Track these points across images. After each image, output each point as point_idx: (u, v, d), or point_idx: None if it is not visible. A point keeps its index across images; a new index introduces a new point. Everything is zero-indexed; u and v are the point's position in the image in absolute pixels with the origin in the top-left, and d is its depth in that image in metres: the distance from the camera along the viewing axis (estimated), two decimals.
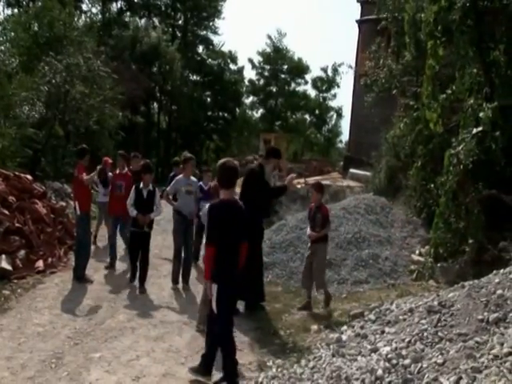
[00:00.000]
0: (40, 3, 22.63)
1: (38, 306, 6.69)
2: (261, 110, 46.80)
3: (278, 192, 7.68)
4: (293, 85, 45.33)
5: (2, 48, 19.46)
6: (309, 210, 7.48)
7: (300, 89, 45.72)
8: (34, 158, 15.82)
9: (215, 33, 43.04)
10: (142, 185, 7.76)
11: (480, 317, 4.08)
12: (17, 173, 10.41)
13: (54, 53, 18.28)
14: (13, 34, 20.67)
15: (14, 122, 14.65)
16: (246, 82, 45.93)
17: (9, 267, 7.78)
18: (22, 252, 8.34)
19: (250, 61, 44.56)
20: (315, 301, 7.45)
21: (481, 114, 8.02)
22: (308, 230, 7.28)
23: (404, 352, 4.06)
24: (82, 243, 8.10)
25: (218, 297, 4.48)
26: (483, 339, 3.80)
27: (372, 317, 5.30)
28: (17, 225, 8.64)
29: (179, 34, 42.59)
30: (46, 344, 5.46)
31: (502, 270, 4.95)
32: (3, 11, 29.04)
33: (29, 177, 10.56)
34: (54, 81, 17.63)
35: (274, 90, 44.93)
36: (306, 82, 45.31)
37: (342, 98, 75.64)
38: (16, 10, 28.62)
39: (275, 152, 7.33)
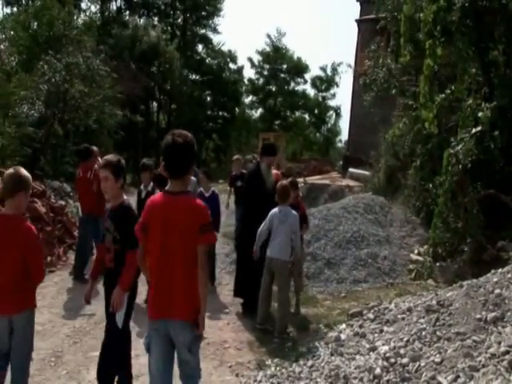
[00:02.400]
0: (39, 2, 22.62)
1: (38, 305, 6.66)
2: (260, 110, 46.83)
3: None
4: (292, 84, 45.32)
5: (2, 47, 19.44)
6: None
7: (299, 88, 45.74)
8: (34, 156, 15.80)
9: (215, 30, 43.02)
10: (142, 186, 7.33)
11: (478, 316, 4.10)
12: None
13: (54, 52, 18.26)
14: (12, 32, 20.65)
15: (13, 121, 14.64)
16: (246, 82, 45.98)
17: None
18: None
19: (250, 60, 44.61)
20: (313, 299, 7.48)
21: (480, 114, 8.05)
22: None
23: (402, 351, 4.09)
24: (83, 244, 8.16)
25: (128, 309, 4.20)
26: (481, 338, 3.83)
27: (371, 316, 5.32)
28: None
29: (178, 33, 42.57)
30: (46, 343, 5.48)
31: (500, 270, 4.97)
32: (2, 10, 29.07)
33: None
34: (53, 80, 17.60)
35: (274, 89, 44.91)
36: (306, 82, 45.32)
37: (342, 97, 75.70)
38: (15, 9, 28.60)
39: (267, 149, 6.95)
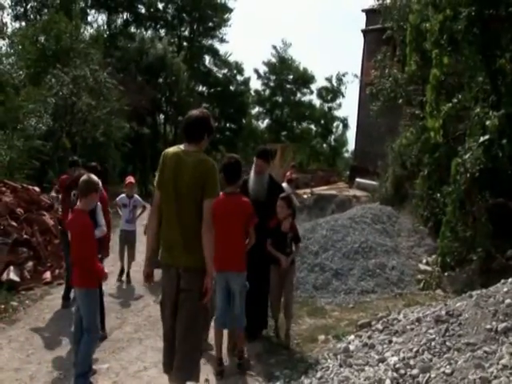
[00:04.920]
0: (47, 16, 22.87)
1: (46, 317, 6.71)
2: (267, 120, 46.97)
3: None
4: (298, 95, 45.46)
5: (10, 61, 19.68)
6: (274, 226, 5.90)
7: (305, 99, 45.86)
8: (42, 169, 15.92)
9: (222, 40, 43.25)
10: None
11: (488, 326, 4.06)
12: (24, 185, 10.49)
13: (61, 65, 18.47)
14: (20, 46, 20.90)
15: (21, 134, 14.78)
16: (252, 93, 46.14)
17: (17, 278, 7.82)
18: (30, 263, 8.38)
19: (256, 71, 44.83)
20: (322, 310, 7.44)
21: (487, 123, 8.01)
22: (276, 253, 5.85)
23: (412, 362, 4.05)
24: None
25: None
26: (492, 349, 3.79)
27: (379, 326, 5.28)
28: (25, 236, 8.69)
29: (185, 45, 42.85)
30: (54, 355, 5.48)
31: (510, 279, 4.93)
32: (11, 24, 29.42)
33: (36, 189, 10.63)
34: (60, 93, 17.80)
35: (280, 100, 45.07)
36: (312, 92, 45.44)
37: (348, 107, 75.59)
38: (23, 24, 28.93)
39: (256, 152, 6.24)
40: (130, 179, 9.24)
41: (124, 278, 8.79)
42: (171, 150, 4.19)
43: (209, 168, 3.99)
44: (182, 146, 4.16)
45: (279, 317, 6.15)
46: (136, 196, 9.10)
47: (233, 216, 5.01)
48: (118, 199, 9.00)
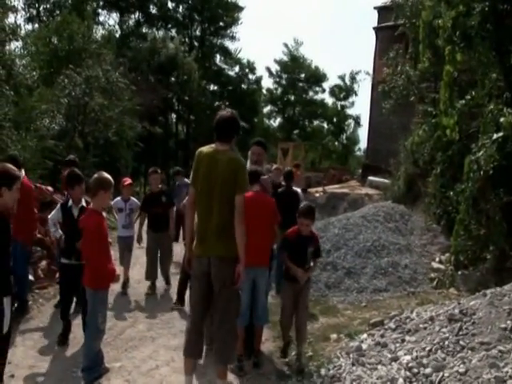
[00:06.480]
0: (60, 17, 23.03)
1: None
2: (279, 119, 47.00)
3: None
4: (310, 93, 45.45)
5: (24, 62, 19.81)
6: (293, 240, 5.35)
7: (318, 97, 45.82)
8: (55, 169, 16.00)
9: (233, 38, 43.31)
10: (70, 202, 5.91)
11: (503, 325, 4.03)
12: (38, 184, 10.52)
13: (74, 65, 18.57)
14: (33, 48, 21.06)
15: (34, 135, 14.86)
16: (264, 91, 46.17)
17: (31, 277, 7.86)
18: (44, 262, 8.43)
19: (268, 69, 44.87)
20: (334, 309, 7.41)
21: (501, 120, 7.92)
22: (295, 269, 5.24)
23: (425, 361, 4.02)
24: None
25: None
26: (507, 348, 3.75)
27: (392, 325, 5.26)
28: (38, 236, 8.72)
29: (197, 44, 42.98)
30: (67, 354, 5.51)
31: None
32: (24, 26, 29.71)
33: (50, 188, 10.66)
34: (73, 93, 17.90)
35: (292, 98, 45.06)
36: (324, 91, 45.42)
37: (360, 105, 75.42)
38: (36, 25, 29.17)
39: (254, 141, 6.15)
40: (128, 180, 8.80)
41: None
42: (205, 149, 4.46)
43: (240, 166, 4.35)
44: (214, 146, 4.43)
45: (290, 338, 5.59)
46: (132, 198, 8.64)
47: (262, 213, 5.21)
48: (112, 203, 8.39)
